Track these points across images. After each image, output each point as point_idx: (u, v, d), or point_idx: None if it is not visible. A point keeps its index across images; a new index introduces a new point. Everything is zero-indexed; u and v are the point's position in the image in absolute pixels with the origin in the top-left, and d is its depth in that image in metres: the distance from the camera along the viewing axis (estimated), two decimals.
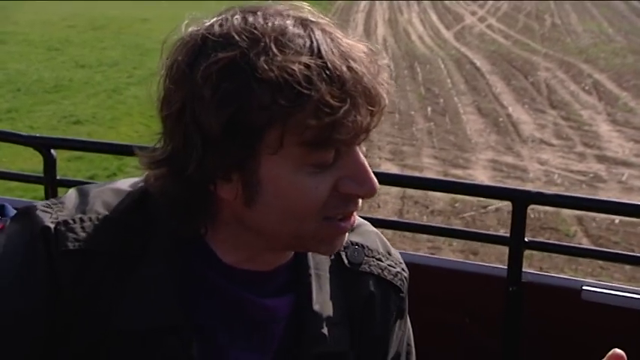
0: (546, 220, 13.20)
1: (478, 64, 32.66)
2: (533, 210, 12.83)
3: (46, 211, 1.11)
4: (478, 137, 21.49)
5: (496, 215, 14.18)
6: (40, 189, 2.43)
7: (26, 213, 1.13)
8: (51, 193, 2.43)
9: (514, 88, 28.36)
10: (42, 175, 2.51)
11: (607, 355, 1.05)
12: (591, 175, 18.44)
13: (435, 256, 1.88)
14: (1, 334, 1.06)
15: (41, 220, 1.10)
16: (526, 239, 1.95)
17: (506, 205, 15.09)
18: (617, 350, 1.04)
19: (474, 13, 53.74)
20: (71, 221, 1.10)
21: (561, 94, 27.39)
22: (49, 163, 2.47)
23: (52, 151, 2.48)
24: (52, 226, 1.09)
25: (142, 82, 27.08)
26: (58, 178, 2.41)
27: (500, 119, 23.66)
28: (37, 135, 2.54)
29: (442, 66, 31.49)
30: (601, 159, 19.98)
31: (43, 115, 20.45)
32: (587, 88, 28.46)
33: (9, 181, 2.35)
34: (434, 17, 50.09)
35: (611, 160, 19.99)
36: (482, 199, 13.75)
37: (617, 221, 13.23)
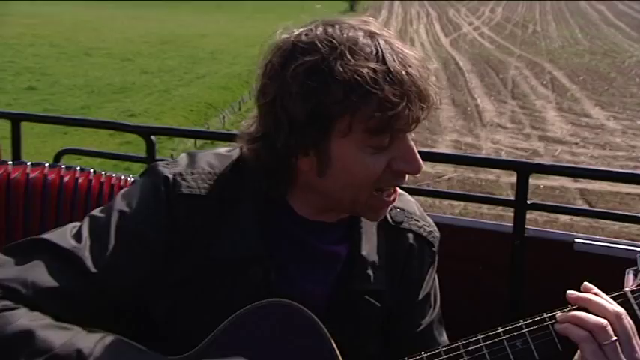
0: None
1: (461, 64, 32.51)
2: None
3: (166, 167, 1.16)
4: (447, 123, 21.51)
5: (447, 183, 14.47)
6: (141, 167, 2.39)
7: (152, 168, 1.18)
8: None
9: (486, 84, 28.18)
10: (144, 156, 2.43)
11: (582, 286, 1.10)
12: (531, 151, 18.52)
13: (455, 217, 2.17)
14: (128, 246, 1.10)
15: (162, 172, 1.14)
16: (528, 202, 1.87)
17: (457, 175, 15.54)
18: (586, 283, 1.10)
19: (470, 24, 53.07)
20: (184, 173, 1.14)
21: (523, 88, 27.22)
22: (150, 147, 2.40)
23: (152, 137, 2.41)
24: (170, 176, 1.13)
25: (188, 84, 27.68)
26: (156, 158, 2.34)
27: (469, 108, 23.66)
28: (141, 124, 2.44)
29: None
30: (542, 138, 19.98)
31: (107, 110, 20.94)
32: (544, 82, 28.25)
33: (113, 160, 2.41)
34: (437, 27, 49.65)
35: (550, 139, 19.99)
36: (439, 170, 14.08)
37: None
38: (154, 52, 35.29)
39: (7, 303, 1.01)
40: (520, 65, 32.26)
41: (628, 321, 1.03)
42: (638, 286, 1.10)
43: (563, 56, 35.52)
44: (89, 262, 1.06)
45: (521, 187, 1.84)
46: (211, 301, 1.09)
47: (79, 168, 1.60)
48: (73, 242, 1.08)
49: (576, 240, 1.84)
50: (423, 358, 1.07)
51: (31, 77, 25.67)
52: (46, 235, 1.10)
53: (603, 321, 1.01)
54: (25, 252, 1.08)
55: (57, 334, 0.99)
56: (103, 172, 1.61)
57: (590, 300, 1.04)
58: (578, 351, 1.04)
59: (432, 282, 1.28)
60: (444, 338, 1.28)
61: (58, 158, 2.33)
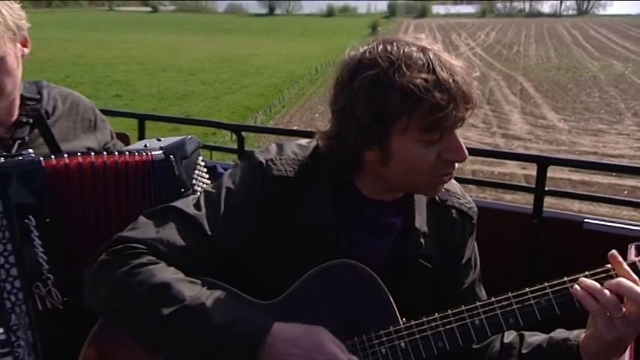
0: None
1: None
2: None
3: (260, 154, 1.14)
4: None
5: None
6: (230, 156, 2.27)
7: (251, 154, 1.16)
8: (239, 157, 2.25)
9: None
10: (235, 147, 2.34)
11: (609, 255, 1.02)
12: (494, 145, 18.32)
13: (483, 200, 2.17)
14: (234, 218, 1.09)
15: (258, 158, 1.13)
16: (546, 188, 1.79)
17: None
18: (614, 252, 1.03)
19: (467, 45, 52.15)
20: (274, 159, 1.12)
21: (497, 96, 26.73)
22: (240, 140, 2.28)
23: (242, 133, 2.29)
24: (264, 161, 1.12)
25: (234, 93, 27.97)
26: (245, 149, 2.26)
27: None
28: (233, 123, 2.30)
29: None
30: (504, 135, 19.79)
31: (170, 112, 21.32)
32: (515, 92, 27.71)
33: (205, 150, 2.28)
34: (440, 47, 48.73)
35: (511, 136, 19.77)
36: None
37: None
38: (214, 67, 35.50)
39: (151, 258, 1.02)
40: (498, 78, 31.64)
41: (636, 291, 0.95)
42: None
43: (535, 71, 34.70)
44: (206, 227, 1.06)
45: (541, 176, 1.76)
46: (293, 260, 1.08)
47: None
48: (195, 210, 1.08)
49: (585, 220, 1.75)
50: (463, 311, 1.04)
51: (119, 87, 26.44)
52: (175, 204, 1.10)
53: (615, 298, 0.96)
54: (160, 217, 1.08)
55: (187, 288, 0.99)
56: (159, 145, 1.56)
57: (622, 266, 0.99)
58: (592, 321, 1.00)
59: (472, 248, 1.24)
60: (483, 294, 1.25)
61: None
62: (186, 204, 1.09)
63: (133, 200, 1.24)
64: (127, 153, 1.29)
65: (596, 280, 0.99)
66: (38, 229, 1.20)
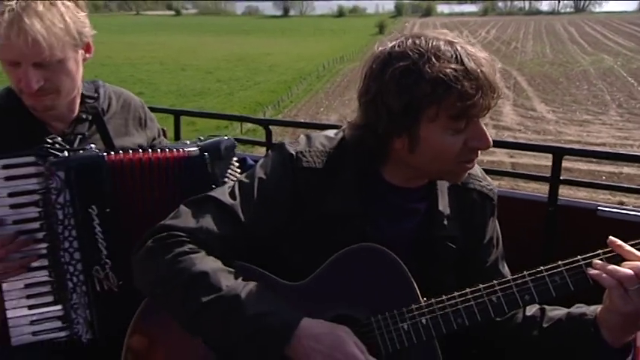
0: None
1: None
2: None
3: (290, 145, 1.12)
4: None
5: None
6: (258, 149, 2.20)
7: (281, 146, 1.13)
8: (267, 152, 2.06)
9: None
10: (264, 140, 2.27)
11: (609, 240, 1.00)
12: None
13: (502, 188, 1.70)
14: (266, 207, 1.07)
15: (288, 150, 1.10)
16: (560, 178, 1.73)
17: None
18: (612, 237, 1.01)
19: (468, 42, 51.75)
20: (304, 151, 1.10)
21: None
22: (268, 134, 2.21)
23: (270, 127, 2.22)
24: (294, 153, 1.09)
25: (247, 89, 28.05)
26: (272, 142, 2.21)
27: None
28: (261, 117, 2.31)
29: None
30: (496, 126, 19.63)
31: (186, 107, 21.14)
32: (509, 85, 27.35)
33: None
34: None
35: (502, 127, 19.69)
36: None
37: None
38: (229, 66, 35.58)
39: (192, 246, 1.01)
40: None
41: None
42: None
43: (529, 66, 34.37)
44: (241, 215, 1.06)
45: (557, 166, 1.71)
46: (320, 246, 1.07)
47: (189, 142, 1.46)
48: (230, 200, 1.07)
49: (599, 207, 1.70)
50: (481, 289, 1.01)
51: (141, 86, 26.43)
52: (212, 193, 1.10)
53: (630, 272, 0.94)
54: (199, 206, 1.07)
55: (224, 278, 0.98)
56: (196, 142, 1.48)
57: (623, 248, 0.98)
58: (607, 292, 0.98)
59: (493, 228, 1.20)
60: (506, 270, 1.21)
61: None
62: (222, 193, 1.09)
63: (172, 191, 1.25)
64: (167, 150, 1.30)
65: (607, 258, 0.98)
66: (99, 217, 1.22)
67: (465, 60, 0.95)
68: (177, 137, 2.30)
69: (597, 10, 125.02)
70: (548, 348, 1.08)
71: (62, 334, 1.23)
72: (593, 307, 1.04)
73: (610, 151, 1.76)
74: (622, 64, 33.52)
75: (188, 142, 1.37)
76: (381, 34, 62.98)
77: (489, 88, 0.96)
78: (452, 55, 0.96)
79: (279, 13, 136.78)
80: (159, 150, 1.29)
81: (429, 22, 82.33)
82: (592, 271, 0.96)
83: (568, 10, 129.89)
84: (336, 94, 27.22)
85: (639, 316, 0.94)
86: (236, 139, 2.44)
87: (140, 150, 1.29)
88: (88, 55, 1.31)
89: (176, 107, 2.35)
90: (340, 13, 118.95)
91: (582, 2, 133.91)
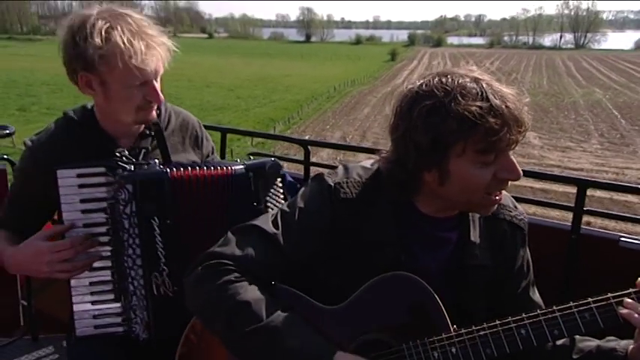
0: None
1: None
2: None
3: (329, 176, 1.08)
4: None
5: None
6: (298, 167, 2.21)
7: (319, 177, 1.10)
8: (304, 170, 2.11)
9: None
10: (302, 159, 2.12)
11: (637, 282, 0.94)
12: None
13: (529, 216, 1.29)
14: (306, 236, 1.04)
15: (327, 181, 1.07)
16: (584, 208, 1.66)
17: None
18: None
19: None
20: (342, 182, 1.07)
21: None
22: (307, 153, 2.11)
23: (309, 147, 2.14)
24: (332, 185, 1.06)
25: (262, 106, 28.23)
26: (311, 160, 2.11)
27: None
28: (301, 138, 2.09)
29: None
30: None
31: (206, 121, 21.33)
32: None
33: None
34: None
35: None
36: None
37: None
38: (250, 85, 35.93)
39: (237, 275, 1.00)
40: None
41: None
42: None
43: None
44: (283, 243, 1.03)
45: (581, 197, 1.64)
46: (356, 271, 1.04)
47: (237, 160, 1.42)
48: (273, 229, 1.05)
49: (622, 238, 1.63)
50: (510, 322, 0.97)
51: (168, 99, 24.72)
52: (256, 222, 1.07)
53: None
54: (244, 234, 1.06)
55: (265, 309, 0.96)
56: (243, 161, 1.43)
57: None
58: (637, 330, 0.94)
59: (524, 256, 1.16)
60: (537, 296, 1.16)
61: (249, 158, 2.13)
62: (265, 222, 1.07)
63: (220, 205, 1.24)
64: (218, 167, 1.29)
65: (639, 297, 0.93)
66: (160, 228, 1.22)
67: (491, 97, 0.92)
68: (222, 153, 2.27)
69: (596, 47, 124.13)
70: None
71: (120, 329, 1.25)
72: (624, 343, 0.99)
73: (632, 185, 1.71)
74: (610, 98, 33.39)
75: (238, 160, 1.36)
76: (393, 61, 63.64)
77: (515, 123, 0.92)
78: (477, 93, 0.92)
79: (301, 38, 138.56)
80: (212, 167, 1.29)
81: (439, 52, 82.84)
82: (623, 311, 0.91)
83: (569, 46, 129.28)
84: (343, 113, 27.60)
85: None
86: (277, 157, 2.37)
87: (197, 167, 1.28)
88: None
89: (223, 125, 2.32)
90: (357, 41, 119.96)
91: (582, 39, 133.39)
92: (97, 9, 1.18)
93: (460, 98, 0.91)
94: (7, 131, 2.02)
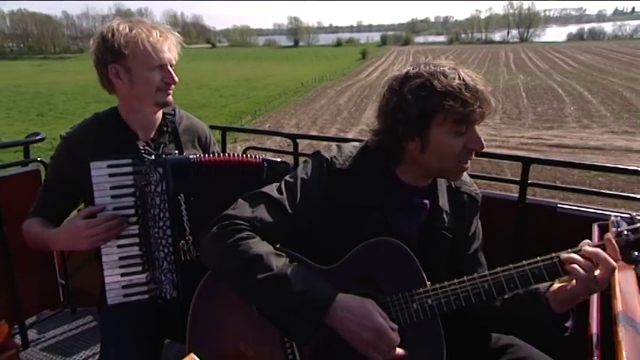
0: None
1: None
2: None
3: (325, 152, 1.08)
4: None
5: None
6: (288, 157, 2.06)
7: (317, 153, 1.09)
8: (294, 160, 2.05)
9: None
10: (292, 151, 2.09)
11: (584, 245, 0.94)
12: None
13: (483, 190, 1.36)
14: (307, 201, 1.03)
15: (324, 155, 1.07)
16: (529, 181, 1.63)
17: None
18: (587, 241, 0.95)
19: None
20: (336, 156, 1.07)
21: None
22: (295, 146, 2.07)
23: (297, 140, 2.10)
24: (329, 158, 1.06)
25: (238, 102, 28.10)
26: (299, 152, 2.06)
27: None
28: (290, 132, 2.09)
29: None
30: None
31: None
32: None
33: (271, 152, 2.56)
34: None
35: None
36: None
37: None
38: (235, 85, 35.56)
39: (249, 232, 0.97)
40: None
41: (600, 254, 0.90)
42: (615, 237, 0.92)
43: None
44: (287, 207, 1.02)
45: (525, 172, 1.64)
46: (349, 234, 1.02)
47: (261, 156, 1.35)
48: (278, 195, 1.03)
49: (558, 205, 1.64)
50: (475, 277, 0.96)
51: None
52: (263, 189, 1.05)
53: (590, 264, 0.91)
54: (254, 199, 1.03)
55: (275, 260, 0.94)
56: (263, 156, 1.37)
57: (596, 253, 0.91)
58: (573, 280, 0.94)
59: (476, 224, 1.16)
60: (482, 258, 1.17)
61: (244, 152, 2.01)
62: (271, 189, 1.05)
63: (237, 187, 1.18)
64: (236, 156, 1.31)
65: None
66: (185, 203, 1.23)
67: (466, 78, 0.96)
68: (223, 149, 2.22)
69: (536, 40, 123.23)
70: (508, 315, 1.06)
71: (145, 296, 1.25)
72: (544, 285, 1.00)
73: (573, 161, 1.75)
74: (526, 82, 33.60)
75: (258, 157, 1.36)
76: (364, 59, 62.99)
77: (484, 100, 0.97)
78: (455, 75, 0.96)
79: (290, 44, 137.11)
80: (233, 154, 1.31)
81: (405, 50, 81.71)
82: (566, 267, 0.92)
83: (515, 40, 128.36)
84: (302, 105, 27.75)
85: (585, 296, 0.95)
86: (269, 150, 2.45)
87: (215, 154, 1.29)
88: None
89: (224, 125, 2.30)
90: (338, 43, 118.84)
91: (525, 34, 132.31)
92: (119, 23, 1.25)
93: (443, 77, 0.96)
94: (39, 137, 2.00)
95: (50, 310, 2.05)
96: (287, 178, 1.08)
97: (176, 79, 1.29)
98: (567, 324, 0.99)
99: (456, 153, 1.00)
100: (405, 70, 1.02)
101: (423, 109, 0.97)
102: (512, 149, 16.60)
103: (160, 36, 1.24)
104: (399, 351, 0.92)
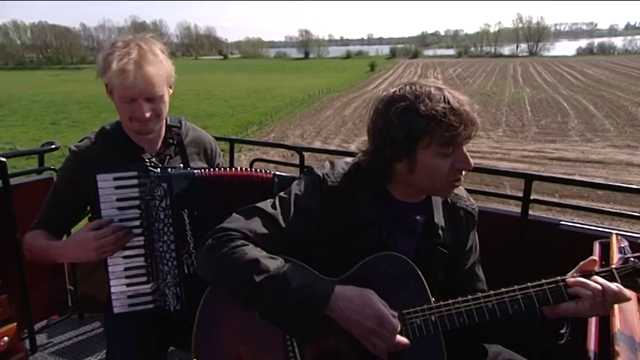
0: None
1: None
2: None
3: (318, 169, 1.08)
4: None
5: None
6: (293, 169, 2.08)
7: (310, 169, 1.09)
8: (300, 173, 1.96)
9: None
10: (298, 163, 2.04)
11: (586, 260, 0.96)
12: None
13: (484, 205, 1.63)
14: (300, 216, 1.03)
15: (317, 172, 1.07)
16: (531, 197, 1.61)
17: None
18: (593, 257, 0.96)
19: (435, 77, 49.10)
20: (329, 173, 1.06)
21: None
22: (301, 158, 2.03)
23: (304, 153, 2.07)
24: (321, 175, 1.06)
25: (245, 112, 28.23)
26: (305, 164, 1.99)
27: None
28: (296, 145, 2.15)
29: None
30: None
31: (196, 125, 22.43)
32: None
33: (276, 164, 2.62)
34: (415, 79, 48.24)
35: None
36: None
37: None
38: (244, 96, 35.63)
39: (243, 241, 0.98)
40: None
41: (612, 289, 0.91)
42: (621, 264, 0.94)
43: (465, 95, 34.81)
44: (281, 222, 1.02)
45: (527, 189, 1.62)
46: (345, 248, 1.03)
47: (265, 170, 1.34)
48: (272, 210, 1.03)
49: (561, 222, 1.62)
50: (480, 297, 0.95)
51: (173, 112, 25.69)
52: (257, 205, 1.05)
53: (599, 287, 0.91)
54: (248, 213, 1.03)
55: (271, 262, 0.95)
56: (273, 172, 1.36)
57: (589, 282, 0.93)
58: (578, 302, 0.93)
59: (473, 238, 1.15)
60: (480, 272, 1.16)
61: (251, 164, 2.01)
62: (265, 205, 1.05)
63: (246, 202, 1.12)
64: (245, 170, 1.29)
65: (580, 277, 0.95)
66: (189, 218, 1.22)
67: (451, 101, 0.96)
68: (231, 160, 2.20)
69: (546, 54, 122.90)
70: (505, 323, 1.01)
71: (150, 306, 1.24)
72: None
73: (574, 178, 1.75)
74: (532, 96, 33.52)
75: (269, 171, 1.35)
76: (372, 72, 63.33)
77: (470, 122, 0.96)
78: (440, 98, 0.96)
79: (301, 56, 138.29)
80: (240, 169, 1.29)
81: (414, 63, 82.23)
82: (571, 290, 0.93)
83: (524, 53, 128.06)
84: (307, 116, 27.96)
85: (586, 316, 0.95)
86: (275, 162, 2.49)
87: (222, 169, 1.28)
88: (171, 91, 1.31)
89: (232, 136, 2.31)
90: (348, 56, 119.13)
91: (534, 47, 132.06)
92: (119, 40, 1.22)
93: (428, 101, 0.95)
94: (54, 146, 2.01)
95: (59, 315, 2.08)
96: (281, 194, 1.09)
97: (146, 115, 1.22)
98: (562, 331, 0.98)
99: (444, 173, 1.00)
100: (392, 91, 1.02)
101: (408, 133, 0.97)
102: (513, 162, 16.65)
103: (134, 76, 1.18)
104: (400, 338, 0.93)
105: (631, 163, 15.95)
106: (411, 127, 0.96)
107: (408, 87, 1.00)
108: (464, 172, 1.04)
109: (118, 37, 1.25)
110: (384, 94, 1.03)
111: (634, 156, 16.86)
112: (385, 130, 0.99)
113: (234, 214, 1.05)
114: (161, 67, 1.23)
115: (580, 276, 0.95)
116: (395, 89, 1.02)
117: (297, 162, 2.09)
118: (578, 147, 18.63)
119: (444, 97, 0.97)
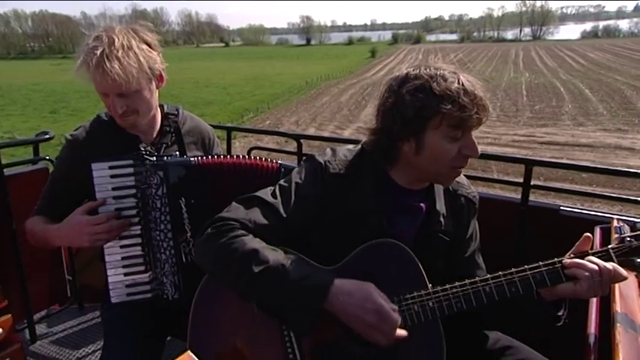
0: None
1: None
2: None
3: (319, 156, 1.06)
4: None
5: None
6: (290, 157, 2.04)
7: (311, 157, 1.07)
8: (298, 160, 1.96)
9: None
10: (295, 151, 2.01)
11: (581, 239, 0.94)
12: None
13: (483, 191, 1.55)
14: (302, 205, 1.01)
15: (318, 159, 1.05)
16: (531, 183, 1.58)
17: None
18: (587, 234, 0.94)
19: (435, 62, 50.75)
20: (330, 160, 1.04)
21: None
22: (299, 146, 1.99)
23: (301, 140, 2.01)
24: (322, 162, 1.04)
25: (243, 100, 28.19)
26: (303, 152, 1.97)
27: None
28: (294, 132, 2.07)
29: None
30: None
31: (194, 113, 22.29)
32: None
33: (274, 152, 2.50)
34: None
35: None
36: None
37: None
38: (243, 83, 35.48)
39: (243, 232, 0.96)
40: None
41: (608, 269, 0.90)
42: (617, 243, 0.93)
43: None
44: (282, 211, 1.00)
45: (527, 174, 1.59)
46: (346, 237, 1.01)
47: (263, 158, 1.30)
48: (272, 199, 1.02)
49: (561, 207, 1.60)
50: (477, 281, 0.95)
51: (171, 99, 25.00)
52: (257, 194, 1.03)
53: (596, 267, 0.90)
54: (247, 203, 1.02)
55: (270, 253, 0.93)
56: (273, 160, 1.33)
57: (586, 263, 0.92)
58: (576, 283, 0.92)
59: (474, 226, 1.15)
60: (480, 260, 1.15)
61: (249, 152, 1.95)
62: (265, 193, 1.03)
63: (245, 190, 1.08)
64: (246, 158, 1.27)
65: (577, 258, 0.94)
66: (186, 206, 1.21)
67: (465, 83, 0.94)
68: (228, 148, 2.20)
69: (550, 38, 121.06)
70: (504, 307, 0.99)
71: (148, 295, 1.24)
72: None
73: (573, 163, 1.62)
74: (530, 80, 33.17)
75: (275, 160, 1.34)
76: (373, 58, 62.84)
77: (482, 106, 0.94)
78: (454, 80, 0.94)
79: (303, 42, 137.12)
80: (239, 157, 1.28)
81: (416, 48, 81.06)
82: (568, 271, 0.93)
83: (528, 38, 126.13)
84: (304, 102, 27.86)
85: (584, 297, 0.93)
86: (273, 150, 2.40)
87: (219, 156, 1.26)
88: (161, 84, 1.28)
89: (229, 124, 2.31)
90: (350, 42, 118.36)
91: (538, 32, 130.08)
92: (92, 34, 1.19)
93: (442, 81, 0.94)
94: (48, 135, 1.99)
95: (58, 305, 2.06)
96: (281, 182, 1.07)
97: (119, 111, 1.20)
98: (559, 313, 0.98)
99: (450, 158, 0.98)
100: (406, 71, 1.01)
101: (419, 110, 0.95)
102: (502, 146, 16.78)
103: (109, 70, 1.14)
104: (400, 331, 0.93)
105: (619, 147, 16.04)
106: (423, 105, 0.94)
107: (423, 68, 0.99)
108: (468, 160, 1.01)
109: (96, 30, 1.21)
110: (399, 73, 1.02)
111: (623, 139, 16.95)
112: (396, 107, 0.97)
113: (233, 203, 1.04)
114: (133, 62, 1.17)
115: (577, 257, 0.95)
116: (410, 69, 1.01)
117: (294, 150, 2.09)
118: (568, 131, 18.67)
119: (459, 79, 0.96)
